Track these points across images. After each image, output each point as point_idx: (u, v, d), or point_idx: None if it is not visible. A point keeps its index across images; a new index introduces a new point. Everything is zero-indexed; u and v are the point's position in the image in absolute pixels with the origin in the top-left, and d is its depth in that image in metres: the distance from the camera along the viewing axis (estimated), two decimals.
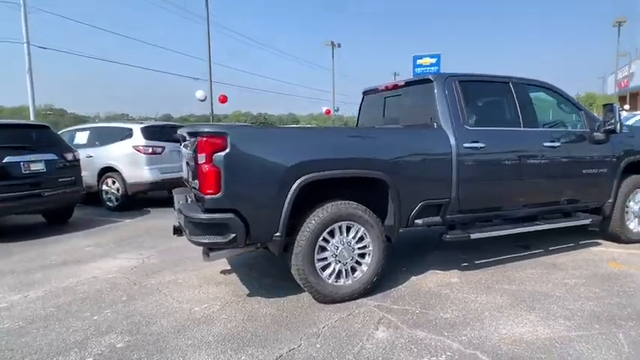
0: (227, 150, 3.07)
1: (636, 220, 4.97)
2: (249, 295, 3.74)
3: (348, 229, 3.48)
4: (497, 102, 4.30)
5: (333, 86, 38.67)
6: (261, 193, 3.22)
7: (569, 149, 4.41)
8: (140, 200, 8.70)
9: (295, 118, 76.30)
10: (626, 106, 36.61)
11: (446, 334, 2.95)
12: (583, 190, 4.58)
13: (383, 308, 3.39)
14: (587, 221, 4.65)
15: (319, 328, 3.08)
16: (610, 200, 4.74)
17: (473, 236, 3.95)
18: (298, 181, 3.24)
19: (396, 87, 4.61)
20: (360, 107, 5.37)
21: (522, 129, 4.22)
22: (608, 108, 4.44)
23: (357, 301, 3.51)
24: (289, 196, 3.23)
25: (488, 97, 4.33)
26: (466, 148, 3.83)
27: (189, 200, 3.98)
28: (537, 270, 4.20)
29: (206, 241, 3.18)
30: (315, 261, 3.38)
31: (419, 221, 3.79)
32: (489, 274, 4.13)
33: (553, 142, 4.30)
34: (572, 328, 2.99)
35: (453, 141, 3.80)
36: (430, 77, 4.03)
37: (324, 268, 3.43)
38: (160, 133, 8.54)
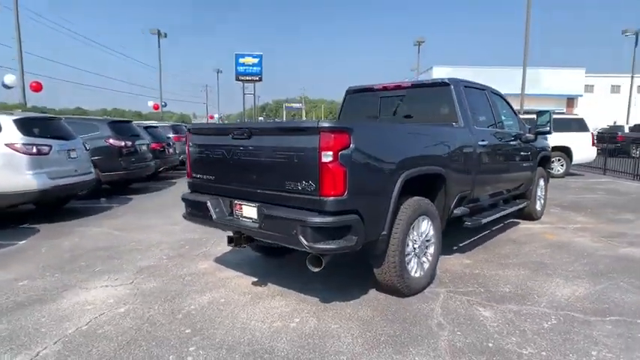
0: (352, 147, 2.89)
1: (539, 201, 6.55)
2: (323, 301, 3.52)
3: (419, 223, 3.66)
4: (483, 106, 5.07)
5: (160, 78, 35.77)
6: (375, 191, 3.15)
7: (520, 146, 5.55)
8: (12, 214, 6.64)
9: (121, 113, 67.60)
10: None
11: (529, 303, 3.47)
12: (524, 179, 5.82)
13: (454, 292, 3.71)
14: (523, 205, 5.92)
15: (437, 317, 3.21)
16: (531, 187, 6.13)
17: (483, 221, 4.63)
18: (402, 178, 3.28)
19: (399, 87, 4.92)
20: (343, 105, 5.49)
21: (500, 130, 5.12)
22: (543, 114, 5.75)
23: (426, 291, 3.72)
24: (395, 192, 3.24)
25: (478, 101, 5.06)
26: (479, 145, 4.46)
27: (222, 205, 3.51)
28: (511, 246, 5.16)
29: (334, 246, 2.91)
30: (405, 256, 3.45)
31: (457, 211, 4.24)
32: (485, 253, 4.87)
33: (514, 140, 5.35)
34: (594, 283, 3.90)
35: (473, 138, 4.37)
36: (447, 81, 4.51)
37: (408, 263, 3.53)
38: (43, 127, 6.70)
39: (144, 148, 9.57)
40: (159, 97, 37.54)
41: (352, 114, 5.41)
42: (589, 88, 42.87)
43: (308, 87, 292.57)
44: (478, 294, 3.68)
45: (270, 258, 4.62)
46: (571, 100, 41.30)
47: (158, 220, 6.69)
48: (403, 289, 3.49)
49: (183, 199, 3.94)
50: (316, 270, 3.12)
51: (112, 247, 5.15)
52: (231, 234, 3.69)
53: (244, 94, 50.27)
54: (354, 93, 5.42)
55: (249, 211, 3.44)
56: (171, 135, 12.90)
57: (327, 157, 2.83)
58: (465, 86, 4.66)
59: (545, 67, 39.96)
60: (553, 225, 6.28)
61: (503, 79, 39.65)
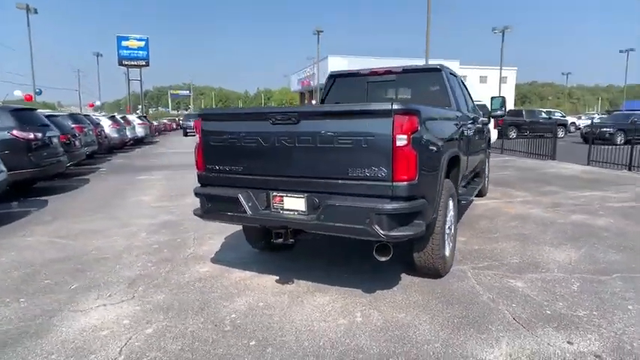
0: (419, 129, 2.80)
1: (486, 179, 7.18)
2: (367, 292, 3.39)
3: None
4: (460, 91, 5.31)
5: (32, 64, 30.55)
6: (433, 174, 3.12)
7: (481, 128, 5.98)
8: None
9: None
10: (313, 101, 46.03)
11: (544, 271, 3.79)
12: (483, 158, 6.30)
13: (477, 268, 3.88)
14: (483, 182, 6.42)
15: (484, 294, 3.33)
16: (484, 166, 6.68)
17: (469, 198, 4.93)
18: (446, 159, 3.30)
19: (389, 72, 4.90)
20: (330, 89, 5.33)
21: (474, 113, 5.45)
22: (495, 98, 6.25)
23: (452, 269, 3.83)
24: (443, 174, 3.24)
25: (457, 87, 5.28)
26: (466, 127, 4.69)
27: (255, 198, 3.20)
28: (484, 222, 5.57)
29: (408, 233, 2.80)
30: (444, 237, 3.49)
31: (461, 191, 4.41)
32: (467, 230, 5.18)
33: (479, 123, 5.75)
34: (576, 247, 4.41)
35: (465, 121, 4.59)
36: (438, 67, 4.64)
37: (445, 244, 3.57)
38: None
39: (55, 140, 8.11)
40: (25, 85, 32.22)
41: (337, 97, 5.26)
42: (464, 78, 48.24)
43: (195, 74, 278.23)
44: (498, 267, 3.89)
45: (273, 253, 4.30)
46: None
47: (104, 222, 5.75)
48: (441, 270, 3.54)
49: (201, 194, 3.45)
50: (384, 259, 2.98)
51: (71, 258, 4.28)
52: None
53: (129, 80, 45.90)
54: (339, 77, 5.28)
55: (293, 203, 3.14)
56: (73, 125, 11.14)
57: (401, 140, 2.70)
58: (450, 72, 4.84)
59: (431, 58, 43.80)
60: (502, 200, 6.95)
61: None
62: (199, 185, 3.56)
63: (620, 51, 55.36)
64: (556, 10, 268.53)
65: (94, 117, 16.14)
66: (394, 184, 2.75)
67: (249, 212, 3.19)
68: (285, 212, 3.18)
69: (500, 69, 34.62)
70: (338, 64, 42.39)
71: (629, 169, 10.02)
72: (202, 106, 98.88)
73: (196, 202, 3.62)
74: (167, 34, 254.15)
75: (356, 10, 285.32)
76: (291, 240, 3.24)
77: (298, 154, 3.03)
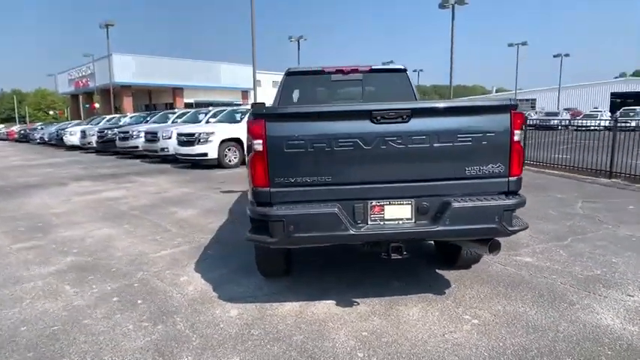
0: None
1: None
2: (439, 293, 3.29)
3: None
4: None
5: None
6: None
7: None
8: None
9: None
10: (97, 105, 39.91)
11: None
12: None
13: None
14: None
15: (524, 273, 3.68)
16: None
17: None
18: None
19: (355, 71, 4.76)
20: (285, 87, 4.85)
21: None
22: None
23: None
24: None
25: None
26: None
27: (346, 212, 2.83)
28: None
29: (523, 225, 2.87)
30: None
31: None
32: None
33: None
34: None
35: None
36: (404, 67, 4.88)
37: None
38: None
39: None
40: None
41: (298, 99, 4.85)
42: (258, 83, 50.04)
43: None
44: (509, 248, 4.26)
45: (284, 279, 3.65)
46: (245, 93, 46.87)
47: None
48: (471, 261, 3.73)
49: (275, 216, 2.66)
50: (496, 254, 2.92)
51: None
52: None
53: None
54: (297, 75, 4.86)
55: (397, 211, 2.79)
56: None
57: (517, 136, 2.76)
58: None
59: (226, 62, 44.00)
60: None
61: (199, 71, 41.11)
62: (256, 205, 2.76)
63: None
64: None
65: None
66: (510, 179, 2.78)
67: (352, 230, 2.66)
68: (387, 223, 2.78)
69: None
70: (125, 63, 38.08)
71: None
72: None
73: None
74: None
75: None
76: (405, 254, 2.86)
77: (407, 156, 2.72)
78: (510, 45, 44.62)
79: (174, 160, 12.94)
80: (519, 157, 2.80)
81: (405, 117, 2.67)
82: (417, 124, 2.69)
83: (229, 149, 11.72)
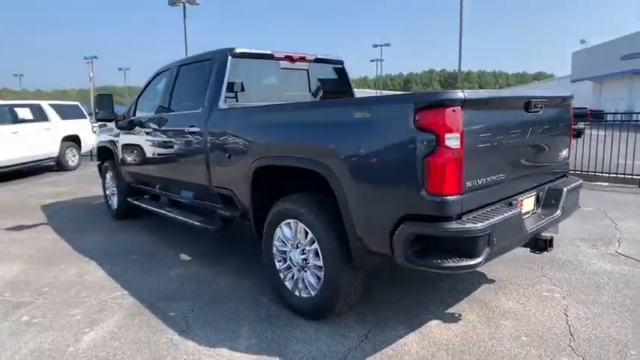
0: None
1: None
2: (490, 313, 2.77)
3: None
4: None
5: None
6: None
7: None
8: None
9: None
10: None
11: None
12: None
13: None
14: None
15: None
16: None
17: None
18: None
19: (302, 60, 4.21)
20: (230, 71, 3.69)
21: None
22: None
23: None
24: None
25: None
26: None
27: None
28: None
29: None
30: None
31: None
32: None
33: None
34: None
35: None
36: (341, 59, 4.56)
37: None
38: None
39: None
40: None
41: (247, 84, 3.82)
42: None
43: None
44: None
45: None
46: None
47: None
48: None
49: (476, 231, 2.08)
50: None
51: None
52: None
53: None
54: (244, 57, 3.80)
55: (528, 204, 2.74)
56: None
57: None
58: None
59: None
60: None
61: None
62: (441, 220, 2.10)
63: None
64: None
65: None
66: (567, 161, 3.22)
67: (525, 228, 2.49)
68: (526, 218, 2.64)
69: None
70: None
71: None
72: None
73: None
74: None
75: None
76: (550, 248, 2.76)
77: (539, 145, 2.81)
78: None
79: None
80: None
81: (542, 106, 2.65)
82: (546, 113, 2.73)
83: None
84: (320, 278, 2.65)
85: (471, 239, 2.07)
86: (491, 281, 3.30)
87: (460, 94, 2.05)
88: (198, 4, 25.58)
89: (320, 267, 2.64)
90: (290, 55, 4.13)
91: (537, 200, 2.78)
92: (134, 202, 5.11)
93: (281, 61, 4.10)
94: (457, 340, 2.52)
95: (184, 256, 4.16)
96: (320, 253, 2.60)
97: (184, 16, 26.15)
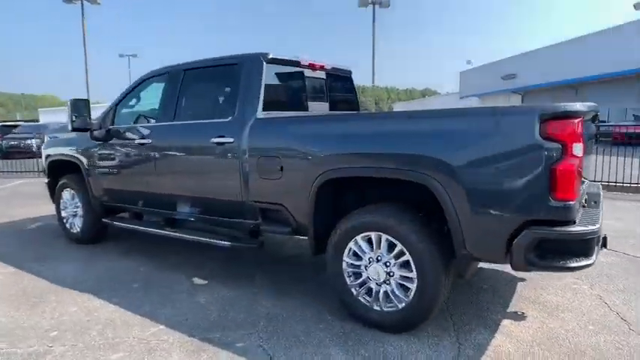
0: None
1: None
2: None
3: None
4: None
5: None
6: None
7: None
8: None
9: None
10: None
11: None
12: None
13: None
14: None
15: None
16: None
17: None
18: None
19: (322, 69, 4.16)
20: (265, 78, 3.48)
21: None
22: None
23: None
24: None
25: None
26: None
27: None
28: None
29: None
30: None
31: None
32: None
33: None
34: None
35: None
36: (350, 70, 4.59)
37: None
38: None
39: None
40: None
41: (275, 94, 3.69)
42: None
43: None
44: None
45: None
46: None
47: None
48: None
49: (594, 233, 2.27)
50: None
51: None
52: None
53: None
54: (276, 63, 3.61)
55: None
56: None
57: None
58: None
59: None
60: None
61: None
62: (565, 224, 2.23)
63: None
64: None
65: None
66: None
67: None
68: None
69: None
70: None
71: None
72: None
73: None
74: None
75: None
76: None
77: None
78: None
79: None
80: None
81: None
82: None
83: None
84: (409, 289, 2.62)
85: (589, 240, 2.26)
86: (522, 279, 3.56)
87: (582, 107, 2.26)
88: (99, 4, 23.57)
89: (409, 278, 2.61)
90: (313, 63, 4.03)
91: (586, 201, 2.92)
92: (114, 223, 4.48)
93: (305, 69, 3.99)
94: (539, 335, 2.68)
95: (198, 280, 3.76)
96: (413, 264, 2.57)
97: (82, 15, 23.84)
